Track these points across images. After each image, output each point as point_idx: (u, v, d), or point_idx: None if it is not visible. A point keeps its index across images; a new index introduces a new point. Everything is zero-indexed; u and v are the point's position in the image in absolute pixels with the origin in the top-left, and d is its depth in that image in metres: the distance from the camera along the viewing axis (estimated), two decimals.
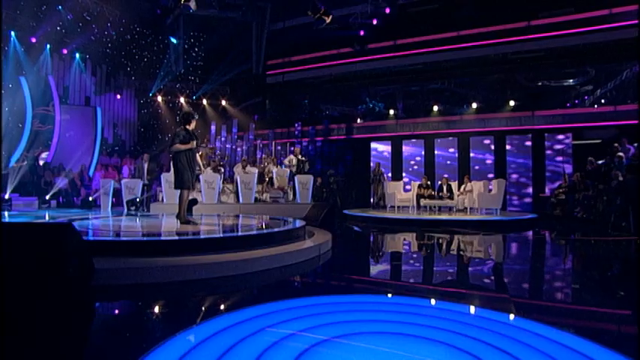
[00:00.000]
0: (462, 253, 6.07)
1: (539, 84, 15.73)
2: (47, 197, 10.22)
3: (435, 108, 15.30)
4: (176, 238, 4.35)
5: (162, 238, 4.38)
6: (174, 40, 13.34)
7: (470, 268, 4.77)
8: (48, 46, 13.70)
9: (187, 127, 5.75)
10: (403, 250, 6.41)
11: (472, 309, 2.60)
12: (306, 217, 8.06)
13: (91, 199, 10.44)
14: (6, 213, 9.46)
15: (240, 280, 3.66)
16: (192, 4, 10.52)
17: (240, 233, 4.74)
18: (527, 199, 13.47)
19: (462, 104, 16.12)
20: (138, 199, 9.08)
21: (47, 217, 8.33)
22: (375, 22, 13.05)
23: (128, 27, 15.01)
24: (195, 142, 5.73)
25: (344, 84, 16.86)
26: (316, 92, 17.78)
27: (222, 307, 3.02)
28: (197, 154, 6.03)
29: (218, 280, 3.60)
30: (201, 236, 4.51)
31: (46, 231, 3.43)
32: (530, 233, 8.48)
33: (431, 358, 1.83)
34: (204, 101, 17.63)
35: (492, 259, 5.58)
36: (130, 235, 4.75)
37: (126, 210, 9.35)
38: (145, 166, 10.26)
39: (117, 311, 3.16)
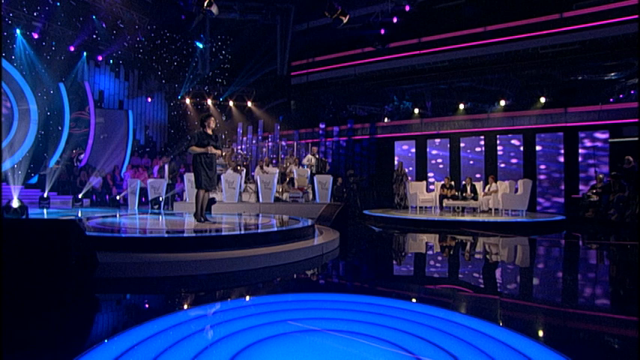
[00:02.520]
0: (461, 254, 5.92)
1: (580, 78, 14.90)
2: (80, 196, 10.87)
3: (461, 106, 14.88)
4: (174, 235, 4.51)
5: (162, 235, 4.56)
6: (199, 45, 13.82)
7: (457, 269, 4.69)
8: (85, 53, 14.55)
9: (206, 129, 5.90)
10: (407, 251, 6.31)
11: (432, 309, 2.56)
12: (320, 216, 8.09)
13: (118, 197, 11.00)
14: (45, 210, 10.18)
15: (228, 277, 3.76)
16: (214, 9, 10.82)
17: (237, 232, 4.85)
18: (559, 200, 12.83)
19: (493, 102, 15.59)
20: (161, 198, 9.46)
21: (80, 214, 8.84)
22: (395, 20, 12.86)
23: (158, 33, 15.66)
24: (211, 147, 5.84)
25: (369, 83, 16.74)
26: (341, 92, 17.77)
27: (187, 303, 3.12)
28: (216, 155, 6.15)
29: (209, 277, 3.71)
30: (199, 234, 4.64)
31: (52, 226, 3.67)
32: (554, 236, 8.06)
33: (368, 356, 1.83)
34: (231, 103, 18.07)
35: (488, 261, 5.40)
36: (135, 232, 4.96)
37: (150, 208, 9.76)
38: (166, 167, 10.66)
39: (110, 300, 3.32)
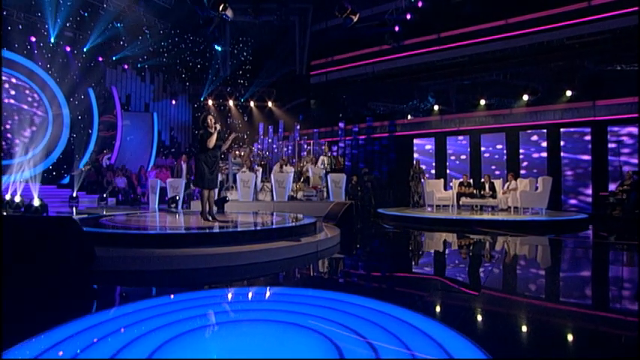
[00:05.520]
0: (447, 253, 5.88)
1: (611, 69, 14.08)
2: (104, 195, 11.48)
3: (482, 102, 14.46)
4: (165, 232, 4.72)
5: (155, 232, 4.76)
6: (218, 48, 14.20)
7: (431, 266, 4.78)
8: (113, 58, 15.30)
9: (208, 128, 6.08)
10: (402, 250, 6.29)
11: (378, 303, 2.63)
12: (327, 214, 8.14)
13: (138, 197, 11.52)
14: (74, 209, 10.83)
15: (216, 272, 3.91)
16: (229, 13, 11.08)
17: (230, 230, 4.98)
18: (587, 198, 12.23)
19: (517, 97, 15.05)
20: (178, 197, 9.83)
21: (104, 212, 9.33)
22: (408, 16, 12.68)
23: (181, 37, 16.22)
24: (215, 137, 5.86)
25: (388, 81, 16.59)
26: (360, 90, 17.70)
27: (145, 295, 3.31)
28: (219, 156, 6.33)
29: (193, 272, 3.88)
30: (190, 232, 4.81)
31: (52, 222, 3.94)
32: (569, 235, 7.71)
33: (284, 340, 2.01)
34: (252, 103, 18.41)
35: (468, 259, 5.34)
36: (133, 229, 5.18)
37: (167, 207, 10.16)
38: (184, 166, 11.01)
39: (100, 290, 3.54)
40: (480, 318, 2.62)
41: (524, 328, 2.47)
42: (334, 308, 2.46)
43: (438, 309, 2.78)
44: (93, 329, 2.11)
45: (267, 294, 3.00)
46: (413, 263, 5.13)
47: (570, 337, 2.33)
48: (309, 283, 3.82)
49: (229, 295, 2.89)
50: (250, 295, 2.99)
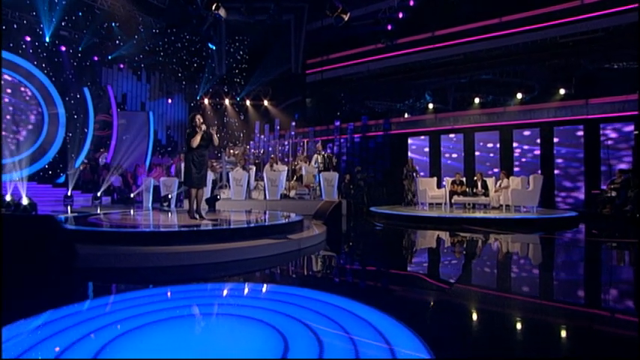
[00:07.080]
0: (420, 250, 5.97)
1: (605, 67, 14.07)
2: (98, 194, 11.54)
3: (477, 100, 14.48)
4: (146, 230, 4.78)
5: (135, 230, 4.81)
6: (212, 47, 14.25)
7: (395, 262, 4.90)
8: (109, 57, 15.35)
9: (196, 128, 6.15)
10: (382, 248, 6.35)
11: (332, 297, 2.73)
12: (316, 213, 8.20)
13: (132, 195, 11.59)
14: (69, 208, 10.90)
15: (196, 269, 3.98)
16: (222, 12, 11.14)
17: (211, 228, 5.03)
18: (580, 196, 12.26)
19: (512, 95, 15.07)
20: (170, 196, 9.89)
21: (99, 211, 9.38)
22: (400, 15, 12.71)
23: (178, 35, 16.25)
24: (199, 136, 5.95)
25: (383, 79, 16.61)
26: (355, 89, 17.73)
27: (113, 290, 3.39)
28: (207, 156, 6.40)
29: (171, 269, 3.94)
30: (172, 229, 4.86)
31: (33, 221, 4.01)
32: (558, 233, 7.74)
33: (236, 331, 2.11)
34: (248, 102, 18.45)
35: (436, 255, 5.45)
36: (121, 227, 5.24)
37: (160, 206, 10.23)
38: (183, 165, 11.04)
39: (84, 286, 3.60)
40: (431, 310, 2.68)
41: (478, 323, 2.51)
42: (290, 302, 2.53)
43: (394, 303, 2.83)
44: (43, 327, 2.16)
45: (230, 290, 3.07)
46: (391, 260, 5.19)
47: (523, 334, 2.36)
48: (280, 279, 3.88)
49: (191, 292, 2.96)
50: (212, 290, 3.06)
